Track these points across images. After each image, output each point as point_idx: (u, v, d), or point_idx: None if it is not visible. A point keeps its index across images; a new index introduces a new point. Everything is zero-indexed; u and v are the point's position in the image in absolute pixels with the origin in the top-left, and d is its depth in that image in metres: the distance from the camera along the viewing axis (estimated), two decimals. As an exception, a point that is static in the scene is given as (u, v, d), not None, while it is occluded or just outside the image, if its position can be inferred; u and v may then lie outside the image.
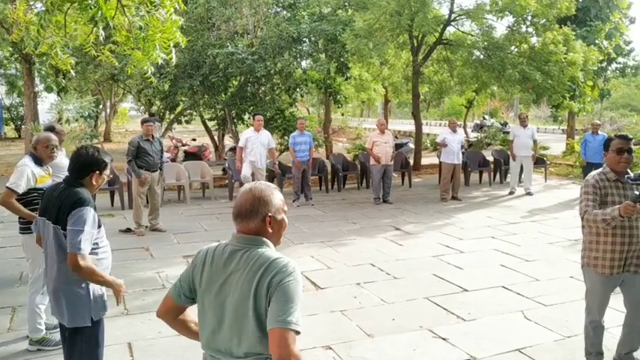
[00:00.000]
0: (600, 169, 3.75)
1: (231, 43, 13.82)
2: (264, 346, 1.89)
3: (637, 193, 3.31)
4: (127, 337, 4.42)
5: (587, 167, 11.65)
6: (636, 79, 35.72)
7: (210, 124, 18.39)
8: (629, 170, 3.66)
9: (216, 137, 18.84)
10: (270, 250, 1.99)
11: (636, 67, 21.65)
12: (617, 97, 42.51)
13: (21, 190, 4.27)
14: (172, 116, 17.56)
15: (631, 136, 3.74)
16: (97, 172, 3.07)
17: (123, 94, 29.72)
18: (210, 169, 12.03)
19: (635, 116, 25.49)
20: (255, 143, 9.83)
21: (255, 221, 1.99)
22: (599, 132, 11.70)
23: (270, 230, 2.02)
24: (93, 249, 2.97)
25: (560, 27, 13.48)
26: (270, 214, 2.01)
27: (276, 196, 2.06)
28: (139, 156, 8.13)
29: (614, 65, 20.74)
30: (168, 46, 4.77)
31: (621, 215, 3.34)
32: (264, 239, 2.01)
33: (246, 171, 9.76)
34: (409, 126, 27.51)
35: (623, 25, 18.26)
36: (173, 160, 15.17)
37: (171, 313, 2.18)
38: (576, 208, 10.28)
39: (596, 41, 16.11)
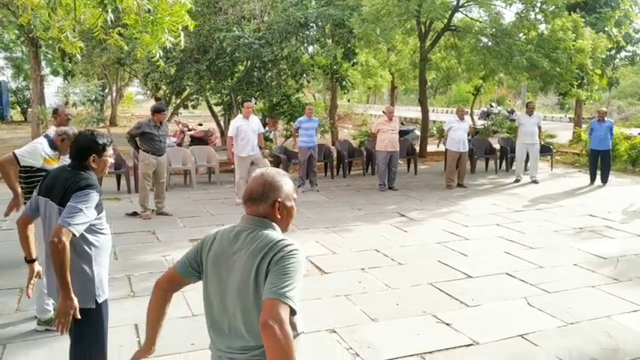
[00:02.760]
0: None
1: (238, 28, 13.77)
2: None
3: None
4: (133, 319, 4.48)
5: (593, 154, 11.64)
6: (645, 67, 35.36)
7: (216, 109, 18.39)
8: None
9: (222, 122, 18.85)
10: (275, 233, 2.02)
11: (645, 55, 21.43)
12: (626, 86, 42.12)
13: (23, 162, 4.30)
14: (179, 101, 17.57)
15: None
16: (95, 155, 3.05)
17: (129, 79, 29.74)
18: (216, 154, 12.08)
19: (642, 105, 25.30)
20: (247, 131, 9.44)
21: (265, 205, 2.04)
22: (606, 119, 11.64)
23: (279, 216, 2.06)
24: (94, 232, 2.98)
25: (570, 14, 13.34)
26: (279, 199, 2.05)
27: (287, 183, 2.09)
28: (145, 140, 8.19)
29: (623, 53, 20.53)
30: (177, 29, 4.78)
31: None
32: (272, 222, 2.05)
33: (242, 173, 9.28)
34: (415, 113, 27.45)
35: (633, 12, 18.04)
36: (179, 144, 15.22)
37: (171, 285, 2.21)
38: (581, 196, 10.28)
39: (606, 29, 15.94)
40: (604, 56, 14.99)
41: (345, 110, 29.40)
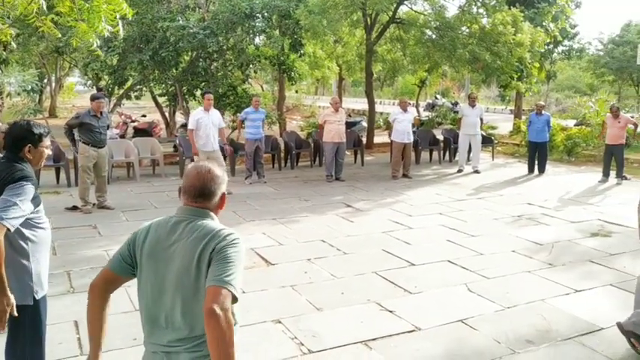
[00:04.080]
0: None
1: (182, 17, 13.49)
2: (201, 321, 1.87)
3: None
4: (73, 315, 4.36)
5: (532, 146, 12.10)
6: (581, 61, 36.92)
7: (160, 100, 18.00)
8: None
9: (167, 113, 18.47)
10: (215, 222, 2.05)
11: (581, 50, 22.43)
12: (563, 79, 43.93)
13: None
14: (121, 91, 17.07)
15: None
16: (31, 145, 2.95)
17: (69, 68, 28.65)
18: (160, 146, 11.84)
19: (578, 98, 26.42)
20: (208, 124, 9.20)
21: (215, 199, 2.08)
22: (543, 112, 12.10)
23: (220, 208, 2.12)
24: (31, 226, 2.88)
25: (509, 8, 13.75)
26: (225, 192, 2.11)
27: (225, 174, 2.14)
28: (85, 131, 7.94)
29: (560, 48, 21.41)
30: (115, 17, 4.64)
31: None
32: (210, 212, 2.07)
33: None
34: (363, 104, 27.66)
35: (569, 8, 18.78)
36: (122, 136, 14.83)
37: (107, 285, 2.12)
38: (520, 185, 10.67)
39: (543, 23, 16.51)
40: (542, 50, 15.52)
41: (294, 102, 29.37)
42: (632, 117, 12.78)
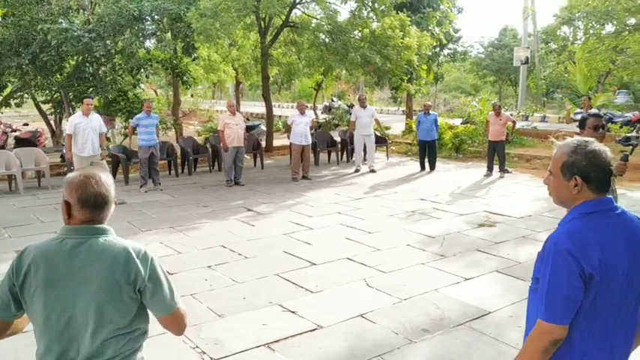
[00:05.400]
0: None
1: (64, 19, 12.75)
2: (124, 338, 1.93)
3: (627, 153, 3.99)
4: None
5: (422, 145, 12.69)
6: (465, 64, 39.29)
7: (44, 107, 16.87)
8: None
9: (52, 122, 17.36)
10: (117, 238, 1.96)
11: (464, 53, 23.91)
12: (450, 81, 46.47)
13: None
14: (0, 99, 15.81)
15: (602, 114, 4.31)
16: None
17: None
18: (45, 156, 11.11)
19: (463, 98, 28.11)
20: (86, 129, 8.91)
21: (108, 210, 1.97)
22: (431, 112, 12.74)
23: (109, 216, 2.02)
24: None
25: (397, 13, 14.35)
26: (115, 199, 2.01)
27: (111, 178, 2.04)
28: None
29: (445, 51, 22.61)
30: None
31: (614, 175, 3.89)
32: (107, 227, 1.96)
33: None
34: (261, 108, 27.62)
35: (452, 13, 19.93)
36: (2, 147, 13.73)
37: None
38: (413, 182, 11.16)
39: (429, 27, 17.39)
40: (429, 53, 16.33)
41: (190, 106, 28.70)
42: (511, 115, 13.77)
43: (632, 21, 14.52)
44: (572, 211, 1.90)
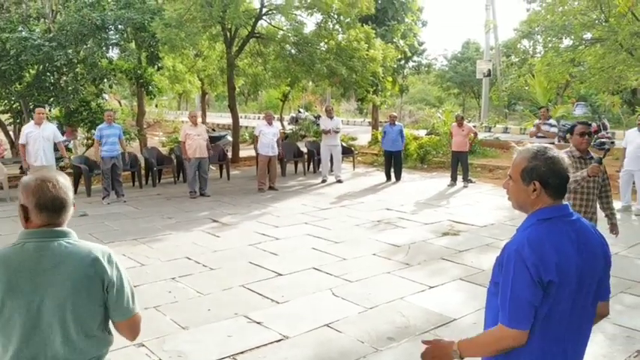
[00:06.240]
0: (567, 149, 4.41)
1: (24, 28, 12.47)
2: (93, 342, 1.93)
3: (600, 156, 4.24)
4: None
5: (387, 155, 12.80)
6: (429, 76, 39.91)
7: (3, 117, 16.39)
8: (589, 150, 4.55)
9: (11, 132, 16.86)
10: (80, 240, 1.94)
11: (429, 65, 24.27)
12: (415, 93, 47.15)
13: None
14: (-46, 109, 15.30)
15: (590, 122, 4.54)
16: None
17: None
18: (3, 167, 10.79)
19: (427, 109, 28.57)
20: (38, 138, 8.99)
21: (67, 213, 1.93)
22: (397, 123, 12.89)
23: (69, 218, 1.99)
24: None
25: (362, 25, 14.52)
26: (73, 201, 1.98)
27: (68, 180, 2.01)
28: None
29: (410, 63, 22.94)
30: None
31: (589, 175, 4.13)
32: (68, 230, 1.93)
33: None
34: (228, 119, 27.47)
35: (416, 27, 20.29)
36: (-43, 158, 13.29)
37: None
38: (379, 193, 11.25)
39: (394, 40, 17.66)
40: (394, 65, 16.56)
41: (155, 117, 28.37)
42: (474, 126, 14.04)
43: (588, 35, 15.02)
44: (529, 217, 1.95)
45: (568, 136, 5.18)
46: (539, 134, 10.14)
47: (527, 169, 1.92)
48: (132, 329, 2.03)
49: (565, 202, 1.96)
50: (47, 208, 1.86)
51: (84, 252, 1.88)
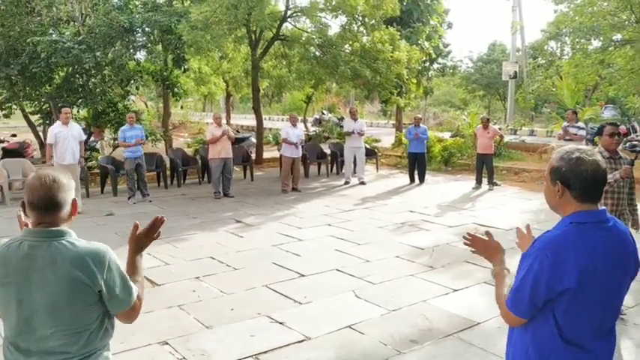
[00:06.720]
0: (596, 149, 4.39)
1: (55, 31, 12.74)
2: (90, 336, 1.94)
3: (632, 158, 4.35)
4: None
5: (411, 157, 12.74)
6: (454, 78, 39.60)
7: (33, 118, 16.78)
8: (618, 150, 4.59)
9: (41, 133, 17.24)
10: (76, 240, 1.95)
11: (454, 67, 24.07)
12: (439, 95, 46.74)
13: None
14: (-13, 110, 15.71)
15: (619, 123, 4.60)
16: None
17: None
18: (33, 167, 10.99)
19: (452, 111, 28.34)
20: (67, 138, 9.12)
21: (66, 209, 1.94)
22: (421, 125, 12.81)
23: (74, 215, 2.00)
24: None
25: (387, 27, 14.48)
26: (75, 198, 1.99)
27: (71, 181, 2.02)
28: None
29: (435, 65, 22.81)
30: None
31: (622, 177, 4.22)
32: (66, 229, 1.94)
33: None
34: (252, 120, 27.65)
35: (441, 28, 20.14)
36: (-11, 158, 13.62)
37: None
38: (402, 195, 11.19)
39: (419, 42, 17.56)
40: (419, 67, 16.47)
41: (180, 118, 28.69)
42: (499, 128, 13.88)
43: (617, 37, 14.75)
44: (564, 219, 1.91)
45: (596, 138, 5.07)
46: (567, 137, 9.96)
47: (553, 169, 1.90)
48: (128, 317, 2.07)
49: (602, 207, 1.92)
50: (37, 207, 1.90)
51: (74, 254, 1.88)
